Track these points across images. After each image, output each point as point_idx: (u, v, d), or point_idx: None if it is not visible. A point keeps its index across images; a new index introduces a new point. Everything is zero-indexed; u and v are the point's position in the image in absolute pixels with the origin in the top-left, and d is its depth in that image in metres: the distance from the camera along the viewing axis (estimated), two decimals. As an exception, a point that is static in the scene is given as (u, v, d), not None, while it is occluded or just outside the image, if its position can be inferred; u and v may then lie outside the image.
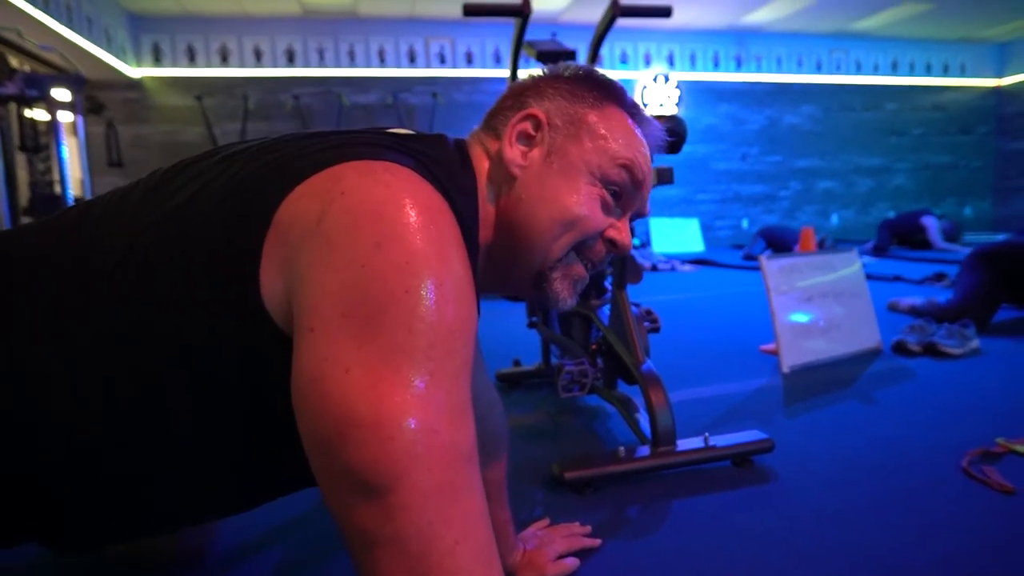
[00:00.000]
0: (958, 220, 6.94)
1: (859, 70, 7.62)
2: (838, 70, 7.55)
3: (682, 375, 1.83)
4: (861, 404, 1.53)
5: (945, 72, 7.87)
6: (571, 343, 1.47)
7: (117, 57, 5.52)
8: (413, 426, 0.40)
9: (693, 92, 7.17)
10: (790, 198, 7.64)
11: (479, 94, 6.60)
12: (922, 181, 7.99)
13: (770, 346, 2.06)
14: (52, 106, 3.40)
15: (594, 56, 1.47)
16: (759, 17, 6.69)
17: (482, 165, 0.63)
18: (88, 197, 3.79)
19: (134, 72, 5.94)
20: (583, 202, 0.60)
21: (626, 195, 0.63)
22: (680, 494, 1.07)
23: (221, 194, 0.51)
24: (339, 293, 0.43)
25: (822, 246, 4.99)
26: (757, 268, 3.30)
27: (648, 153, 0.64)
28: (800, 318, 1.91)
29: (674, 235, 6.74)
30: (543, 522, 0.95)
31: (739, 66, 7.31)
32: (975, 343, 2.02)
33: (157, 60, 6.06)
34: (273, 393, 0.48)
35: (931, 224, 5.62)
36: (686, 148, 1.08)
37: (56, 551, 0.60)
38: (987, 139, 8.14)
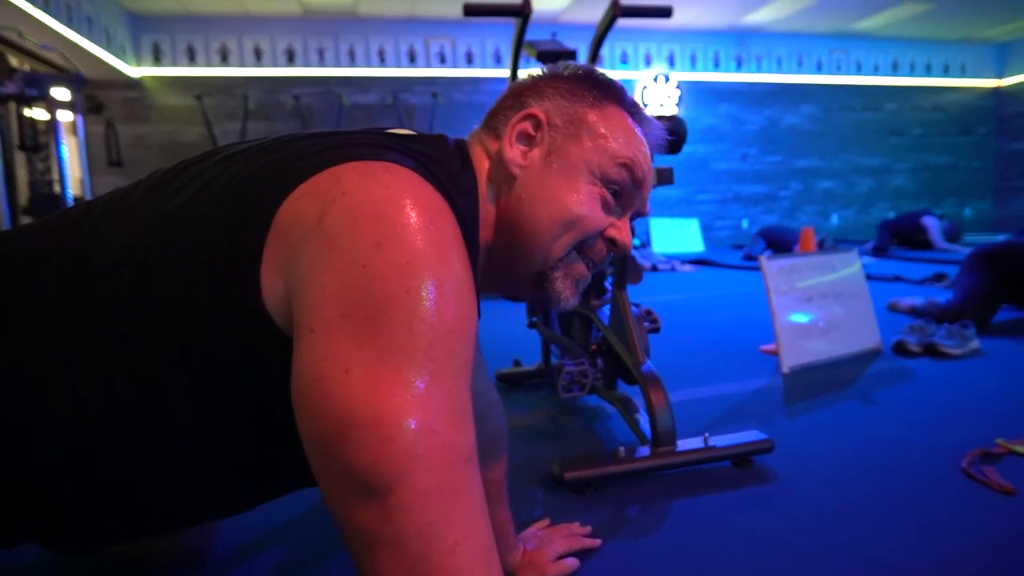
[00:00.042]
0: (958, 221, 6.94)
1: (859, 70, 7.62)
2: (838, 70, 7.56)
3: (682, 375, 1.83)
4: (861, 404, 1.53)
5: (945, 72, 7.88)
6: (571, 343, 1.47)
7: (117, 56, 5.52)
8: (413, 426, 0.40)
9: (693, 92, 7.17)
10: (790, 198, 7.64)
11: (479, 94, 6.60)
12: (922, 181, 7.99)
13: (770, 346, 2.06)
14: (52, 105, 3.40)
15: (594, 56, 1.47)
16: (759, 17, 6.69)
17: (482, 165, 0.63)
18: (87, 197, 3.79)
19: (134, 72, 5.94)
20: (583, 201, 0.60)
21: (626, 194, 0.63)
22: (680, 494, 1.07)
23: (221, 195, 0.51)
24: (339, 293, 0.43)
25: (822, 246, 4.99)
26: (757, 268, 3.30)
27: (648, 152, 0.64)
28: (800, 318, 1.91)
29: (674, 235, 6.74)
30: (543, 522, 0.95)
31: (739, 66, 7.31)
32: (975, 343, 2.02)
33: (157, 60, 6.06)
34: (273, 393, 0.48)
35: (932, 224, 5.63)
36: (686, 148, 1.08)
37: (56, 551, 0.60)
38: (987, 140, 8.14)
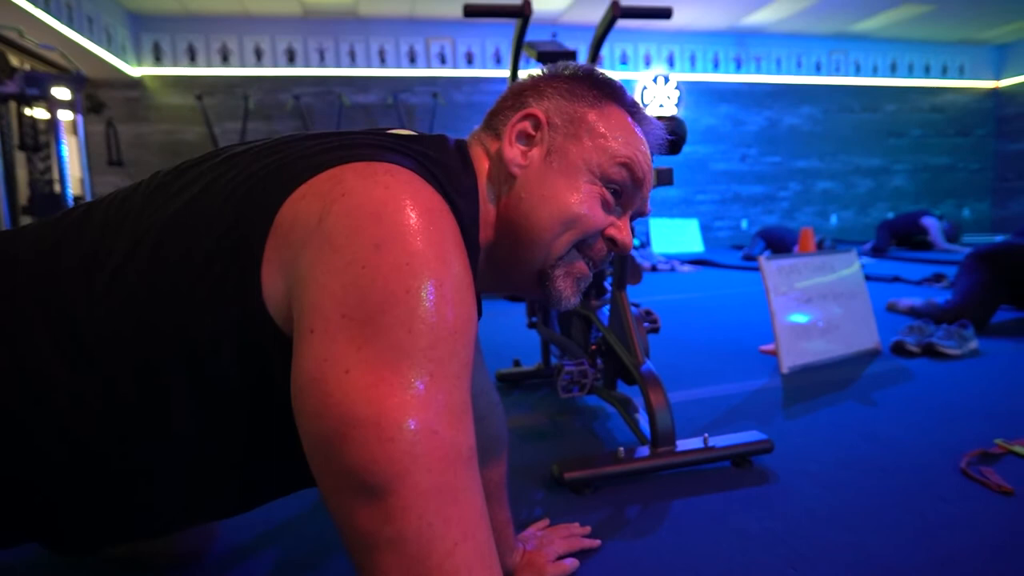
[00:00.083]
0: (957, 221, 6.95)
1: (858, 71, 7.62)
2: (837, 71, 7.56)
3: (682, 375, 1.83)
4: (860, 405, 1.54)
5: (944, 74, 7.88)
6: (571, 343, 1.47)
7: (117, 56, 5.52)
8: (413, 427, 0.40)
9: (693, 93, 7.18)
10: (789, 199, 7.65)
11: (479, 94, 6.60)
12: (921, 182, 8.00)
13: (769, 347, 2.06)
14: (52, 105, 3.40)
15: (594, 57, 1.47)
16: (759, 18, 6.70)
17: (482, 165, 0.63)
18: (88, 196, 3.79)
19: (134, 71, 5.94)
20: (583, 200, 0.60)
21: (626, 194, 0.63)
22: (679, 494, 1.07)
23: (223, 195, 0.51)
24: (339, 294, 0.43)
25: (821, 247, 5.00)
26: (756, 269, 3.30)
27: (648, 151, 0.64)
28: (799, 319, 1.91)
29: (674, 235, 6.74)
30: (543, 522, 0.95)
31: (739, 67, 7.31)
32: (974, 344, 2.02)
33: (158, 59, 6.06)
34: (274, 393, 0.49)
35: (933, 225, 5.63)
36: (686, 149, 1.08)
37: (56, 551, 0.60)
38: (986, 141, 8.15)
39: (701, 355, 2.10)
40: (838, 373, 1.82)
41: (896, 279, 3.74)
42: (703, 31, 7.05)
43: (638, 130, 0.64)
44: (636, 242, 5.29)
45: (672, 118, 0.99)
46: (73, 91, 3.44)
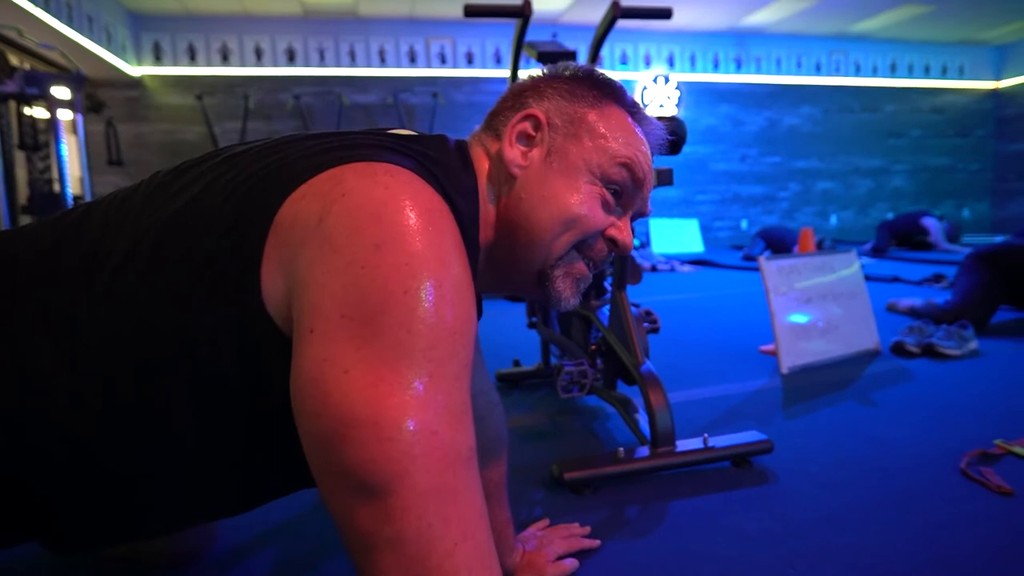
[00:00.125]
0: (956, 222, 6.95)
1: (858, 72, 7.63)
2: (837, 72, 7.56)
3: (681, 376, 1.83)
4: (860, 405, 1.54)
5: (944, 74, 7.89)
6: (571, 343, 1.47)
7: (117, 56, 5.52)
8: (412, 427, 0.40)
9: (693, 93, 7.18)
10: (789, 199, 7.65)
11: (479, 94, 6.60)
12: (921, 183, 8.00)
13: (769, 347, 2.06)
14: (52, 104, 3.40)
15: (594, 57, 1.47)
16: (759, 19, 6.70)
17: (483, 166, 0.63)
18: (87, 196, 3.78)
19: (134, 71, 5.94)
20: (583, 201, 0.60)
21: (627, 194, 0.63)
22: (679, 495, 1.07)
23: (223, 195, 0.51)
24: (339, 294, 0.43)
25: (821, 247, 5.00)
26: (756, 269, 3.30)
27: (648, 151, 0.64)
28: (799, 319, 1.91)
29: (673, 236, 6.74)
30: (542, 523, 0.95)
31: (739, 67, 7.32)
32: (973, 344, 2.02)
33: (158, 59, 6.05)
34: (273, 393, 0.49)
35: (934, 226, 5.63)
36: (686, 149, 1.08)
37: (56, 551, 0.60)
38: (985, 141, 8.15)
39: (701, 355, 2.10)
40: (838, 373, 1.82)
41: (896, 279, 3.74)
42: (703, 31, 7.05)
43: (638, 130, 0.64)
44: (636, 242, 5.29)
45: (672, 118, 0.99)
46: (73, 90, 3.44)
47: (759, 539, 0.92)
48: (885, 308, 2.75)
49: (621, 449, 1.12)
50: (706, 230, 7.25)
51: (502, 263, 0.63)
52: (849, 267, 2.12)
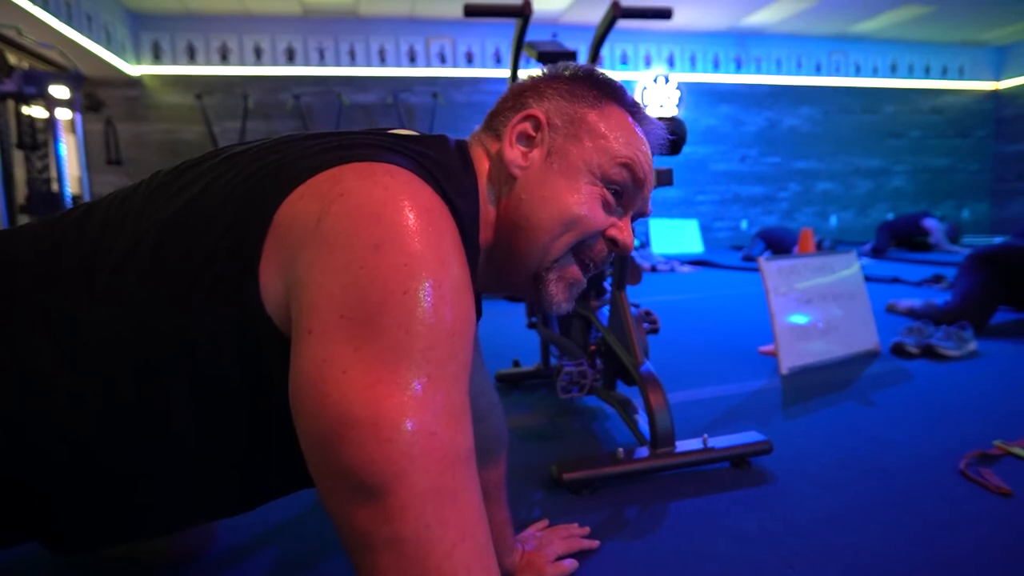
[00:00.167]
0: (956, 223, 6.96)
1: (858, 72, 7.63)
2: (837, 72, 7.57)
3: (681, 376, 1.83)
4: (859, 406, 1.54)
5: (944, 75, 7.89)
6: (570, 344, 1.47)
7: (117, 55, 5.51)
8: (411, 428, 0.40)
9: (693, 93, 7.18)
10: (789, 199, 7.65)
11: (479, 94, 6.60)
12: (920, 183, 8.01)
13: (769, 347, 2.07)
14: (50, 103, 3.39)
15: (595, 57, 1.47)
16: (759, 19, 6.70)
17: (483, 166, 0.63)
18: (86, 195, 3.78)
19: (134, 70, 5.93)
20: (584, 201, 0.60)
21: (627, 194, 0.63)
22: (679, 495, 1.07)
23: (222, 195, 0.51)
24: (338, 294, 0.43)
25: (821, 247, 5.00)
26: (756, 269, 3.30)
27: (649, 151, 0.64)
28: (799, 319, 1.91)
29: (673, 236, 6.74)
30: (542, 523, 0.95)
31: (739, 68, 7.32)
32: (973, 345, 2.03)
33: (157, 58, 6.05)
34: (272, 393, 0.48)
35: (935, 227, 5.64)
36: (686, 149, 1.08)
37: (56, 551, 0.60)
38: (985, 142, 8.16)
39: (700, 356, 2.10)
40: (837, 374, 1.82)
41: (895, 280, 3.75)
42: (703, 31, 7.05)
43: (639, 130, 0.64)
44: (636, 243, 5.29)
45: (672, 118, 0.99)
46: (72, 90, 3.44)
47: (759, 539, 0.92)
48: (885, 309, 2.75)
49: (620, 449, 1.12)
50: (706, 230, 7.26)
51: (501, 264, 0.63)
52: (849, 268, 2.12)
